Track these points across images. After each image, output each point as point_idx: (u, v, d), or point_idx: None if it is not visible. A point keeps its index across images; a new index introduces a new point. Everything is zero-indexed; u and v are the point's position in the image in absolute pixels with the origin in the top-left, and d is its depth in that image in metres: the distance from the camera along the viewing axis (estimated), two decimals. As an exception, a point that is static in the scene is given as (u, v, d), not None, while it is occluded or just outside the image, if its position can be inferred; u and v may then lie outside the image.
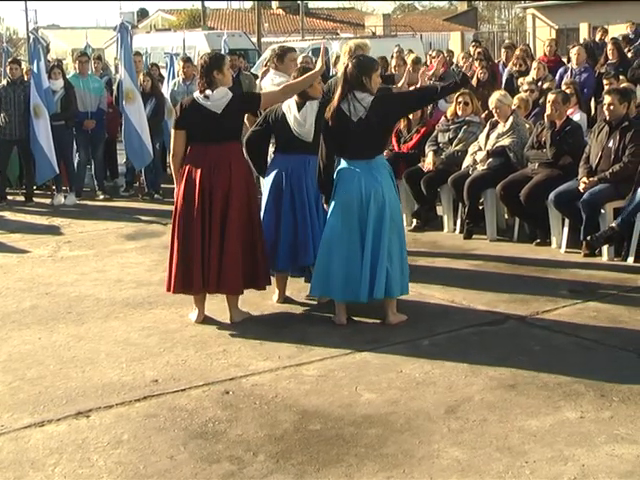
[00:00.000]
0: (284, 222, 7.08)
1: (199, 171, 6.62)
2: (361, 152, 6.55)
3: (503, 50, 15.30)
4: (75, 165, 13.21)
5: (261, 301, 7.23)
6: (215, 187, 6.59)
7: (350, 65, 6.53)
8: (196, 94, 6.76)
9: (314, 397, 5.36)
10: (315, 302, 7.23)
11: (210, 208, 6.59)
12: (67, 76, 13.25)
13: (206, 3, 41.61)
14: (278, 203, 7.11)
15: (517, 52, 13.73)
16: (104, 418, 5.15)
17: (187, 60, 14.25)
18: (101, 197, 13.14)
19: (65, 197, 12.79)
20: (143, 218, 11.47)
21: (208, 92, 6.66)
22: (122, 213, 11.89)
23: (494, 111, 9.70)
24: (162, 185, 12.91)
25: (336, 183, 6.61)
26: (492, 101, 9.76)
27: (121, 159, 14.09)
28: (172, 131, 6.88)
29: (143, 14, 58.85)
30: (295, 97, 7.08)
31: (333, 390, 5.46)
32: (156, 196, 12.90)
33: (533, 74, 12.27)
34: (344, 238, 6.55)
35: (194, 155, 6.70)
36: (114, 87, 13.77)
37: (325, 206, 6.79)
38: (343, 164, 6.63)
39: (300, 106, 7.06)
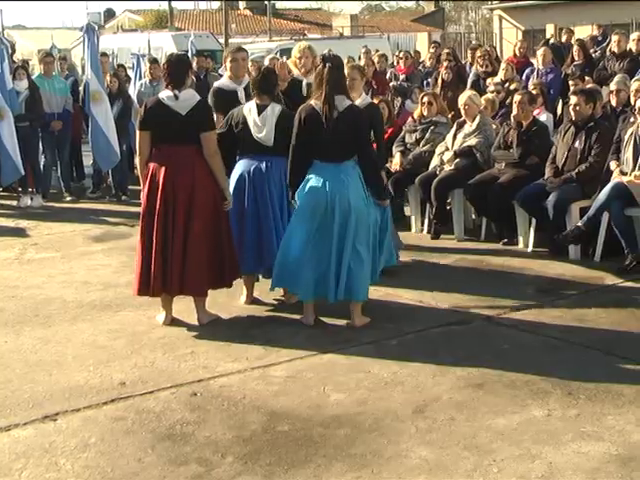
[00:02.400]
0: (248, 224, 7.05)
1: (162, 173, 6.56)
2: (330, 154, 6.50)
3: (469, 51, 15.41)
4: (41, 167, 13.12)
5: (229, 302, 7.22)
6: (178, 189, 6.55)
7: (330, 66, 6.45)
8: (162, 94, 6.71)
9: (282, 398, 5.35)
10: (283, 303, 7.22)
11: (173, 210, 6.55)
12: (32, 77, 13.13)
13: (173, 3, 41.41)
14: (241, 205, 7.04)
15: (477, 53, 13.80)
16: (71, 421, 5.11)
17: (154, 61, 14.21)
18: (68, 199, 13.05)
19: (31, 199, 12.68)
20: (110, 220, 11.40)
21: (177, 92, 6.61)
22: (89, 215, 11.82)
23: (463, 108, 9.73)
24: (129, 186, 12.84)
25: (303, 184, 6.59)
26: (462, 98, 9.81)
27: (88, 160, 14.00)
28: (137, 132, 6.84)
29: (110, 14, 58.49)
30: (256, 100, 7.06)
31: (301, 391, 5.46)
32: (123, 198, 12.83)
33: (501, 75, 12.35)
34: (309, 238, 6.54)
35: (158, 157, 6.65)
36: (80, 88, 13.69)
37: (293, 202, 6.72)
38: (313, 165, 6.59)
39: (261, 110, 7.02)
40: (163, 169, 6.57)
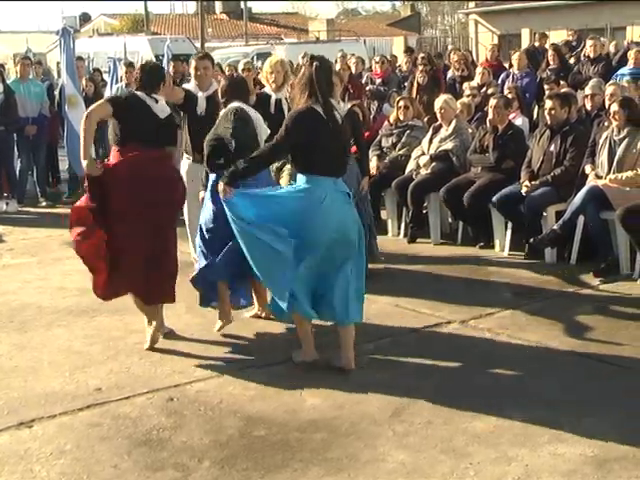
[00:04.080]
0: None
1: (141, 176, 6.24)
2: (334, 167, 5.74)
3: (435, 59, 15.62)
4: (17, 171, 13.04)
5: (208, 309, 7.18)
6: (160, 190, 6.31)
7: (317, 65, 5.67)
8: (140, 93, 6.46)
9: (259, 403, 5.35)
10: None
11: (157, 210, 6.34)
12: (8, 81, 13.05)
13: (149, 7, 41.25)
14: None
15: (455, 57, 13.98)
16: (47, 428, 5.09)
17: (130, 65, 14.17)
18: (44, 204, 12.98)
19: (7, 204, 12.62)
20: (86, 225, 11.33)
21: (155, 96, 6.49)
22: (65, 220, 11.69)
23: (439, 112, 9.77)
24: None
25: (312, 214, 5.64)
26: (438, 102, 9.84)
27: (64, 165, 13.94)
28: (99, 103, 6.58)
29: (85, 18, 58.25)
30: (246, 102, 6.60)
31: (278, 395, 5.45)
32: (99, 202, 12.75)
33: (478, 79, 12.42)
34: (311, 265, 5.75)
35: (135, 156, 6.27)
36: (56, 92, 13.64)
37: (223, 191, 5.77)
38: (310, 180, 5.68)
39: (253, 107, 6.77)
40: (142, 172, 6.24)
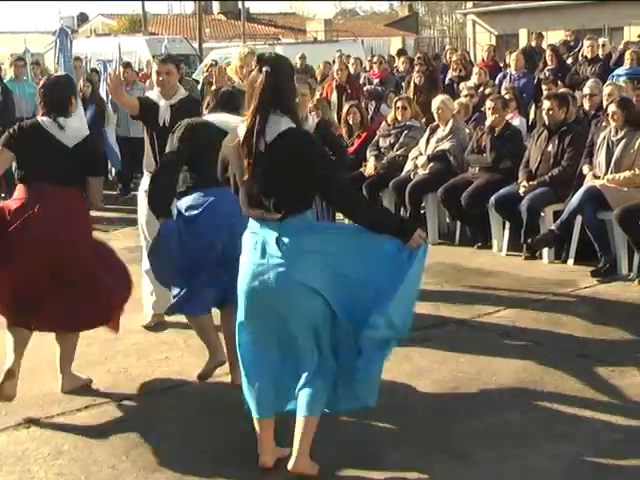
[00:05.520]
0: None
1: (36, 220, 5.31)
2: (260, 204, 4.26)
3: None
4: (13, 171, 13.00)
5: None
6: (58, 244, 5.34)
7: (267, 71, 4.17)
8: (43, 119, 5.45)
9: (257, 403, 5.33)
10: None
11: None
12: (4, 81, 13.05)
13: (147, 8, 41.12)
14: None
15: (454, 57, 14.05)
16: (44, 428, 5.08)
17: (127, 65, 14.17)
18: (40, 204, 12.93)
19: (3, 204, 12.58)
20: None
21: (62, 120, 5.40)
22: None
23: (436, 112, 9.76)
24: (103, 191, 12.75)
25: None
26: (436, 102, 9.84)
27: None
28: None
29: (83, 18, 58.18)
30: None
31: (276, 396, 5.44)
32: (97, 203, 12.73)
33: (475, 79, 12.42)
34: (253, 334, 4.45)
35: (28, 196, 5.45)
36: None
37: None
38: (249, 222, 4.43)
39: None
40: (37, 214, 5.33)
